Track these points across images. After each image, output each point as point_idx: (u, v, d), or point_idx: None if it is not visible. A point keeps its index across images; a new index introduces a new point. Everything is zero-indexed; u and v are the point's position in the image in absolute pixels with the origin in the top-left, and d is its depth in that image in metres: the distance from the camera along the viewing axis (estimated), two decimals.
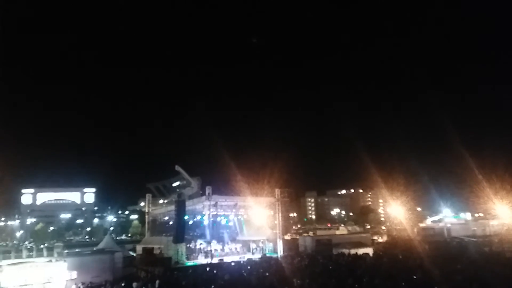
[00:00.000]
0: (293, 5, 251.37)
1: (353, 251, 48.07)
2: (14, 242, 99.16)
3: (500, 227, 64.56)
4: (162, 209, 60.65)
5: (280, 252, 51.30)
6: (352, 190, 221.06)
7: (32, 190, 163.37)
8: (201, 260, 47.93)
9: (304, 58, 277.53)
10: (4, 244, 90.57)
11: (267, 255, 50.40)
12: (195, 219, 54.21)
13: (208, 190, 49.03)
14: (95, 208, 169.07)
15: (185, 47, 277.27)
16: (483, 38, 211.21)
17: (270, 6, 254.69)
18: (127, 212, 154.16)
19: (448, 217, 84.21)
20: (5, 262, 38.37)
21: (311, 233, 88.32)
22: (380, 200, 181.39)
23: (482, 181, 62.37)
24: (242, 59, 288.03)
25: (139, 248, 53.08)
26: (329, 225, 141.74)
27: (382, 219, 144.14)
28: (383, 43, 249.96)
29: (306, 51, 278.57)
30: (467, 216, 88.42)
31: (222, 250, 52.68)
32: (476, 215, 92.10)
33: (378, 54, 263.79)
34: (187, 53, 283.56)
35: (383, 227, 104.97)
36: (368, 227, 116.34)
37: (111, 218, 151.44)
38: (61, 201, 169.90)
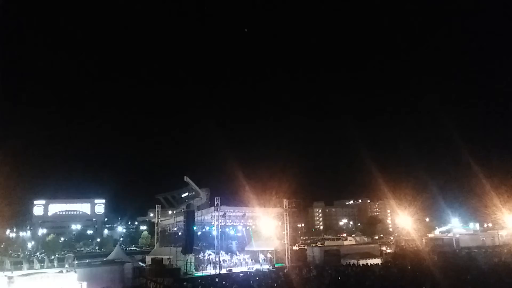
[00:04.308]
0: (299, 20, 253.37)
1: (361, 262, 48.03)
2: (26, 253, 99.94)
3: (509, 237, 64.21)
4: (171, 220, 61.01)
5: (288, 263, 51.39)
6: (360, 201, 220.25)
7: (43, 202, 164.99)
8: (210, 270, 48.18)
9: (311, 69, 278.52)
10: (16, 255, 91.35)
11: (276, 265, 50.56)
12: (204, 230, 54.62)
13: (216, 200, 49.45)
14: (105, 219, 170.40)
15: (194, 59, 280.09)
16: (492, 46, 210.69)
17: (279, 18, 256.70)
18: (136, 223, 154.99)
19: (456, 228, 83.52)
20: (16, 273, 38.90)
21: (319, 244, 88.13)
22: (388, 211, 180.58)
23: (491, 191, 62.35)
24: (250, 71, 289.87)
25: (148, 258, 53.46)
26: (338, 235, 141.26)
27: (390, 229, 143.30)
28: (390, 52, 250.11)
29: (313, 62, 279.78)
30: (476, 226, 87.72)
31: (231, 260, 52.83)
32: (485, 225, 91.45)
33: (386, 63, 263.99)
34: (196, 66, 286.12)
35: (392, 238, 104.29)
36: (376, 237, 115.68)
37: (121, 229, 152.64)
38: (72, 212, 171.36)
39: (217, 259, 48.28)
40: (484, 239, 67.73)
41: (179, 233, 54.78)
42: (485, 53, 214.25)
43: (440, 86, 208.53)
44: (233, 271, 47.09)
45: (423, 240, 68.98)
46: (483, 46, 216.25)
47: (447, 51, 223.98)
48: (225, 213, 50.08)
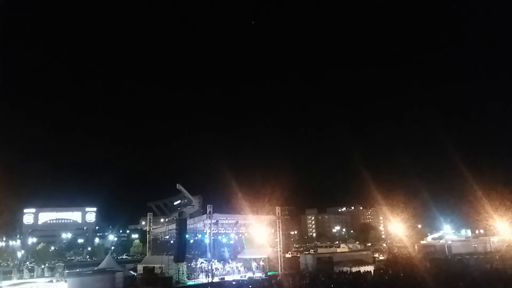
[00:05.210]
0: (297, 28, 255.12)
1: (354, 269, 48.07)
2: (16, 262, 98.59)
3: (500, 243, 64.61)
4: (163, 228, 60.71)
5: (281, 271, 51.25)
6: (353, 208, 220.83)
7: (33, 210, 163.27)
8: (202, 279, 47.96)
9: (305, 76, 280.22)
10: (5, 264, 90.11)
11: (269, 273, 50.40)
12: (196, 238, 54.40)
13: (209, 208, 49.32)
14: (96, 228, 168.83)
15: (188, 66, 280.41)
16: (486, 58, 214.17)
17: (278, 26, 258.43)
18: (128, 231, 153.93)
19: (448, 234, 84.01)
20: (6, 282, 38.53)
21: (312, 251, 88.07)
22: (381, 217, 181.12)
23: (482, 197, 62.85)
24: (244, 79, 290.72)
25: (140, 267, 53.14)
26: (331, 242, 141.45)
27: (383, 236, 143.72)
28: (384, 60, 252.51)
29: (307, 69, 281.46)
30: (468, 233, 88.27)
31: (223, 269, 52.61)
32: (477, 231, 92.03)
33: (379, 71, 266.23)
34: (189, 72, 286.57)
35: (384, 245, 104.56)
36: (369, 244, 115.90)
37: (112, 237, 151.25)
38: (62, 221, 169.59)
39: (210, 268, 48.01)
40: (476, 245, 68.16)
41: (171, 241, 54.44)
42: (480, 60, 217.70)
43: (431, 94, 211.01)
44: (226, 279, 46.88)
45: (416, 247, 69.26)
46: (478, 53, 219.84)
47: (442, 59, 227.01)
48: (217, 221, 49.92)
